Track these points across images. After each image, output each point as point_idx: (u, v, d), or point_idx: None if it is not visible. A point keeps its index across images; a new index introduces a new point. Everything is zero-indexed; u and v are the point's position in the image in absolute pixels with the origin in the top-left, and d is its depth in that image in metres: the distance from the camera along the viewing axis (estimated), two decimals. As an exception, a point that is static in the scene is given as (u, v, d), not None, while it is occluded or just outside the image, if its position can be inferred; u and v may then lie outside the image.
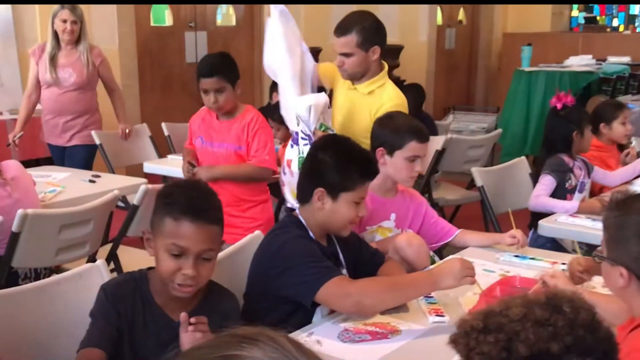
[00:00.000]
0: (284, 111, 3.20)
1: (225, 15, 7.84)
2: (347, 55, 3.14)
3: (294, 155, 3.04)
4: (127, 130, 4.82)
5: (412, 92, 5.14)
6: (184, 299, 1.81)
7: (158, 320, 1.80)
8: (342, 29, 3.16)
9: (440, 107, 10.47)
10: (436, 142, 4.46)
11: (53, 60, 4.55)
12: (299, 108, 2.97)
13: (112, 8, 6.36)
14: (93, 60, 4.64)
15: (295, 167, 3.00)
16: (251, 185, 3.44)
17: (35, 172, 3.62)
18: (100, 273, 2.09)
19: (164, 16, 7.24)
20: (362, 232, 2.62)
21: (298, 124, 3.01)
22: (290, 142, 3.13)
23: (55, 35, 4.55)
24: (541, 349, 1.01)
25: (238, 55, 7.84)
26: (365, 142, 2.91)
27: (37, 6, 5.82)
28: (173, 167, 4.04)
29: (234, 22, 7.87)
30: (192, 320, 1.69)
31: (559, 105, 3.57)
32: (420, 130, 2.73)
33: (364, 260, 2.33)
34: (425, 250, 2.49)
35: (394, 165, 2.65)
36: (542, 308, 1.06)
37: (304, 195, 2.22)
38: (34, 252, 2.87)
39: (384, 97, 3.19)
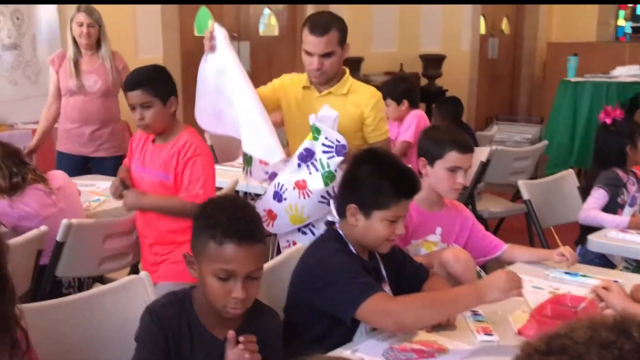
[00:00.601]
0: (249, 147, 2.93)
1: (268, 25, 7.86)
2: (329, 55, 2.95)
3: (304, 174, 2.88)
4: None
5: (451, 104, 5.12)
6: (229, 318, 1.78)
7: (204, 341, 1.77)
8: (322, 28, 2.94)
9: (482, 117, 10.37)
10: (481, 154, 4.39)
11: (76, 66, 4.36)
12: (324, 119, 2.83)
13: (157, 17, 6.42)
14: (116, 65, 4.47)
15: (312, 185, 2.85)
16: (182, 222, 2.83)
17: (79, 181, 3.65)
18: (143, 285, 2.09)
19: (208, 26, 7.27)
20: (407, 246, 2.58)
21: (318, 138, 2.82)
22: (290, 164, 2.94)
23: (74, 40, 4.37)
24: None
25: (281, 64, 7.88)
26: (358, 144, 3.02)
27: (83, 16, 5.89)
28: (217, 177, 4.01)
29: (276, 32, 7.89)
30: (241, 339, 1.66)
31: (608, 120, 3.50)
32: (461, 140, 2.69)
33: (408, 275, 2.28)
34: (472, 266, 2.43)
35: (435, 176, 2.61)
36: (609, 331, 1.01)
37: (339, 210, 2.18)
38: (77, 262, 2.88)
39: (362, 92, 3.10)
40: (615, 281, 2.34)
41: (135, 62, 6.26)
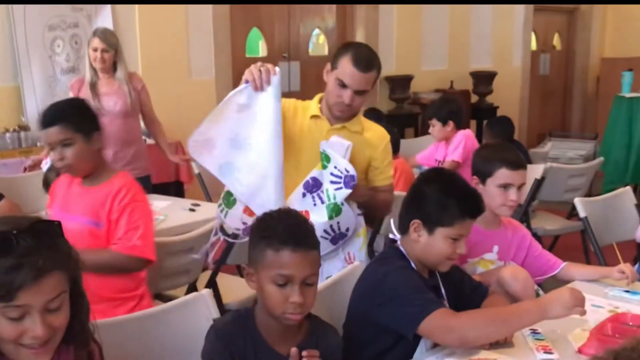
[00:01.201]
0: (248, 196, 2.66)
1: (316, 44, 7.94)
2: (363, 92, 2.70)
3: (308, 205, 2.68)
4: (187, 158, 4.56)
5: (502, 123, 5.12)
6: (290, 334, 1.82)
7: (268, 357, 1.81)
8: (367, 63, 2.69)
9: (534, 133, 10.28)
10: (535, 171, 4.36)
11: (94, 89, 4.36)
12: (336, 146, 2.65)
13: (210, 40, 6.54)
14: (134, 86, 4.46)
15: (315, 218, 2.61)
16: (117, 278, 2.62)
17: (138, 201, 3.73)
18: (205, 302, 2.13)
19: (259, 47, 7.39)
20: (464, 264, 2.58)
21: (327, 166, 2.65)
22: (295, 193, 2.72)
23: (91, 64, 4.38)
24: None
25: (330, 83, 7.95)
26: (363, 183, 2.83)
27: (138, 38, 6.05)
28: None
29: (326, 52, 7.96)
30: (304, 353, 1.69)
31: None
32: (511, 157, 2.70)
33: (467, 293, 2.29)
34: (531, 285, 2.42)
35: (487, 194, 2.60)
36: None
37: (402, 226, 2.21)
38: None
39: (375, 132, 2.88)
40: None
41: (188, 84, 6.44)
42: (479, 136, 8.46)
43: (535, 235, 4.49)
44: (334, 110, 2.75)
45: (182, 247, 3.05)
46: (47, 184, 3.20)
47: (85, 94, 4.34)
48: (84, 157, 2.63)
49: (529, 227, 4.48)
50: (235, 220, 2.76)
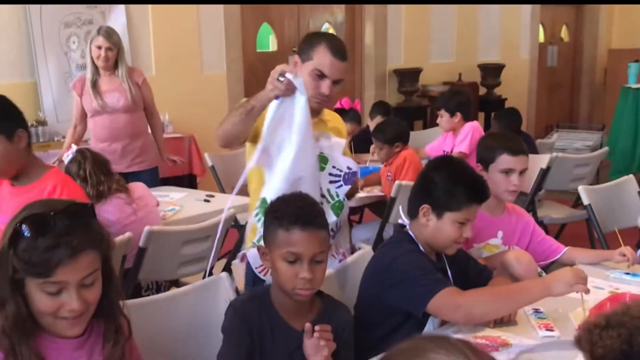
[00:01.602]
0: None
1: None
2: (339, 81, 2.61)
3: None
4: (177, 160, 4.72)
5: (509, 115, 5.21)
6: (304, 311, 1.94)
7: (283, 331, 1.93)
8: (344, 53, 2.62)
9: (542, 125, 10.35)
10: (541, 161, 4.46)
11: (95, 86, 4.41)
12: (336, 146, 2.61)
13: (221, 35, 6.65)
14: (135, 80, 4.51)
15: (331, 221, 2.50)
16: None
17: (155, 192, 3.85)
18: (224, 285, 2.25)
19: (269, 42, 7.49)
20: (469, 249, 2.69)
21: (324, 168, 2.56)
22: None
23: (93, 61, 4.41)
24: None
25: (340, 77, 8.04)
26: None
27: (152, 34, 6.18)
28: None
29: (335, 46, 8.04)
30: (317, 328, 1.81)
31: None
32: (512, 143, 2.82)
33: (472, 276, 2.39)
34: (534, 268, 2.52)
35: (490, 180, 2.69)
36: None
37: (411, 211, 2.32)
38: (158, 266, 3.07)
39: (335, 117, 2.86)
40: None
41: (201, 78, 6.56)
42: (487, 128, 8.53)
43: (541, 223, 4.59)
44: (312, 103, 2.55)
45: (198, 235, 3.17)
46: (70, 174, 3.32)
47: (87, 92, 4.42)
48: (8, 157, 2.50)
49: (535, 215, 4.57)
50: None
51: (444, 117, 4.77)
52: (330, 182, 2.57)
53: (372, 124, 5.31)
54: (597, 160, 4.82)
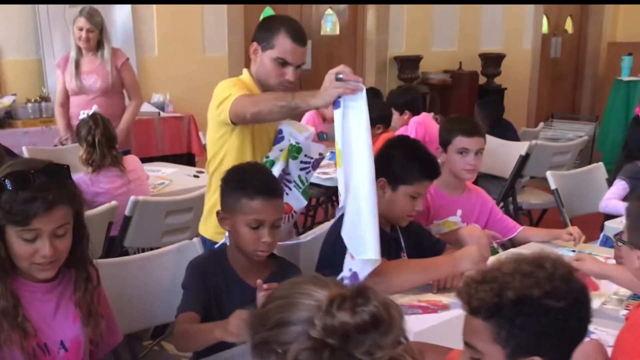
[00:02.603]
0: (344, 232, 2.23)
1: (328, 24, 8.19)
2: (301, 66, 2.66)
3: (292, 199, 2.68)
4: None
5: (492, 104, 5.42)
6: (257, 269, 2.15)
7: (238, 287, 2.14)
8: (304, 37, 2.66)
9: (543, 115, 10.46)
10: (520, 148, 4.64)
11: (77, 67, 4.50)
12: (310, 135, 2.64)
13: (223, 18, 6.82)
14: (115, 63, 4.55)
15: (296, 205, 2.69)
16: None
17: (147, 167, 4.06)
18: (195, 249, 2.46)
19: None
20: (429, 225, 2.88)
21: (297, 157, 2.62)
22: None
23: (76, 42, 4.50)
24: (525, 293, 1.28)
25: (341, 62, 8.15)
26: None
27: (155, 15, 6.36)
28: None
29: (337, 32, 8.22)
30: (266, 286, 2.02)
31: (641, 114, 3.72)
32: (467, 125, 3.03)
33: (425, 247, 2.59)
34: (485, 242, 2.70)
35: (449, 160, 2.95)
36: (528, 264, 1.33)
37: None
38: (143, 234, 3.29)
39: None
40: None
41: (202, 59, 6.75)
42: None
43: (520, 209, 4.78)
44: (278, 89, 2.62)
45: (181, 206, 3.38)
46: (78, 134, 3.57)
47: (70, 71, 4.54)
48: None
49: (514, 200, 4.76)
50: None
51: (394, 116, 4.88)
52: (301, 169, 2.66)
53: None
54: (576, 148, 4.99)
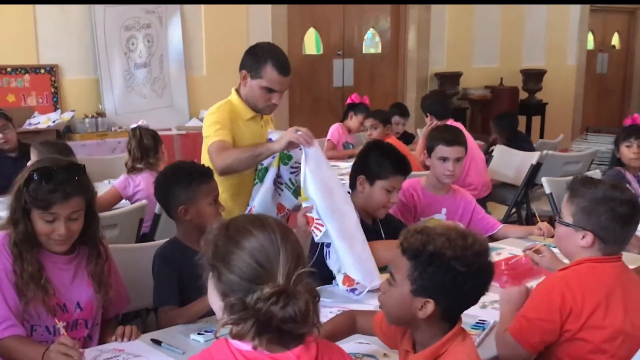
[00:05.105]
0: (347, 265, 2.58)
1: (370, 43, 8.57)
2: (285, 89, 3.07)
3: (277, 198, 3.00)
4: None
5: (507, 118, 5.74)
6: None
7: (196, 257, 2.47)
8: (288, 67, 3.02)
9: (593, 130, 10.58)
10: (531, 158, 4.93)
11: None
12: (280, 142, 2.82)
13: (268, 38, 7.25)
14: None
15: (288, 204, 2.99)
16: None
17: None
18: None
19: (315, 45, 8.10)
20: (416, 222, 3.24)
21: (287, 163, 2.93)
22: (272, 193, 2.97)
23: None
24: (440, 251, 1.62)
25: (382, 80, 8.62)
26: None
27: (204, 36, 6.87)
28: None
29: (379, 50, 8.60)
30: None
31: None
32: (449, 135, 3.37)
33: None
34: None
35: (432, 165, 3.32)
36: (457, 233, 1.67)
37: (352, 183, 2.90)
38: (170, 230, 3.71)
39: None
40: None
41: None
42: (527, 130, 8.92)
43: (533, 215, 5.06)
44: (265, 112, 3.11)
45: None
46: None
47: None
48: None
49: (528, 207, 5.05)
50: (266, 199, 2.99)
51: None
52: (291, 172, 2.96)
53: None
54: (587, 158, 5.24)
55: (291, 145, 2.70)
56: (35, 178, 2.10)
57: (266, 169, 2.96)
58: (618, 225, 2.03)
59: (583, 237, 2.06)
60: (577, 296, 1.94)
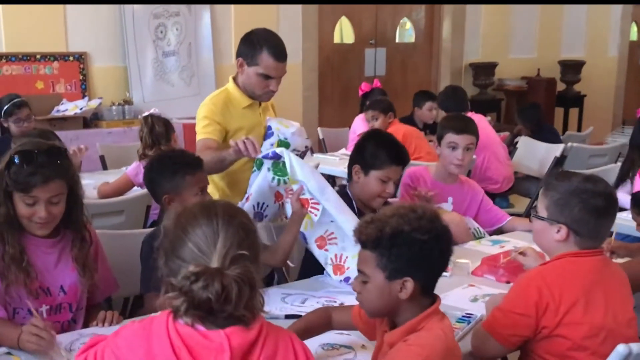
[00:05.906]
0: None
1: (403, 32, 8.49)
2: (282, 75, 3.05)
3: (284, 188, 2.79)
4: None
5: (531, 110, 5.64)
6: None
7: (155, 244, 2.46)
8: (285, 52, 3.01)
9: (630, 122, 10.34)
10: (556, 150, 4.82)
11: None
12: (301, 133, 2.92)
13: (298, 27, 7.25)
14: None
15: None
16: None
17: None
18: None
19: (346, 34, 8.05)
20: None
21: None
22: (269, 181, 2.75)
23: None
24: (398, 229, 1.64)
25: (416, 69, 8.52)
26: None
27: (233, 25, 6.86)
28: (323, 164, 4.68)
29: (413, 40, 8.51)
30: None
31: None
32: (458, 123, 3.31)
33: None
34: (465, 227, 3.00)
35: (441, 153, 3.26)
36: (405, 209, 1.70)
37: (349, 173, 2.86)
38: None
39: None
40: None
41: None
42: (565, 122, 8.74)
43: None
44: (263, 98, 3.10)
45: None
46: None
47: None
48: None
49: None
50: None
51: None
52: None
53: (419, 111, 5.80)
54: (614, 152, 5.10)
55: (237, 152, 2.65)
56: (17, 161, 2.11)
57: (261, 162, 2.90)
58: (592, 217, 1.97)
59: (558, 230, 2.00)
60: (554, 292, 1.88)
